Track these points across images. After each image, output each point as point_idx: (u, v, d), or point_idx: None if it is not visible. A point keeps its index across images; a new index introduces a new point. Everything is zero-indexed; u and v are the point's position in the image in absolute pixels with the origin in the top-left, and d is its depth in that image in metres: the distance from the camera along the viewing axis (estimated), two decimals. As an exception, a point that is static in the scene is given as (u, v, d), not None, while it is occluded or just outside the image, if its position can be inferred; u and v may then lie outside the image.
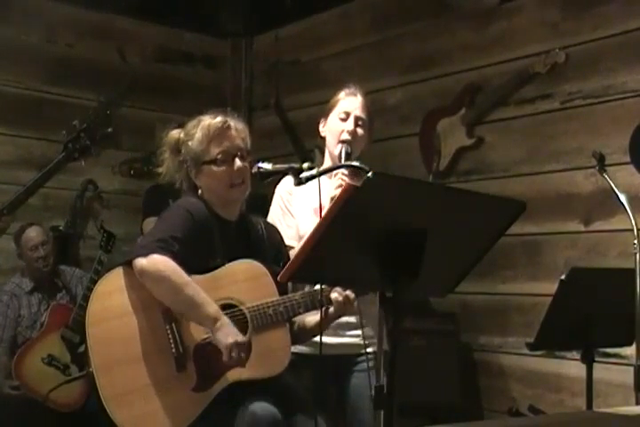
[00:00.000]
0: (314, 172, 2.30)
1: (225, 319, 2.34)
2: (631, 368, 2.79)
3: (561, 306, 2.63)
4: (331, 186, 2.69)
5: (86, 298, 3.55)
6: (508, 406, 4.11)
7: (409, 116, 4.72)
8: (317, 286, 2.47)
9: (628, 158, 3.72)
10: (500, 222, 1.86)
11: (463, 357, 4.23)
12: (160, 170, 2.64)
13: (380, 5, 5.00)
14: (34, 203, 4.49)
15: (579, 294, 2.62)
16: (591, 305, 2.65)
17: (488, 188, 4.15)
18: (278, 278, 1.91)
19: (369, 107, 2.88)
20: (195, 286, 2.35)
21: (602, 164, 3.05)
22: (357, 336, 2.68)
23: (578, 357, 2.80)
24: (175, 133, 2.63)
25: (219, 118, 2.55)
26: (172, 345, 2.40)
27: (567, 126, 4.04)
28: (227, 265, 2.47)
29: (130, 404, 2.35)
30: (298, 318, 2.58)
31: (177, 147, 2.60)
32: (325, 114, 2.89)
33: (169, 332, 2.40)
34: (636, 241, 2.82)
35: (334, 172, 2.70)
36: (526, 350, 3.72)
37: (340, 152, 2.76)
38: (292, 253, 2.51)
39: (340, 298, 2.47)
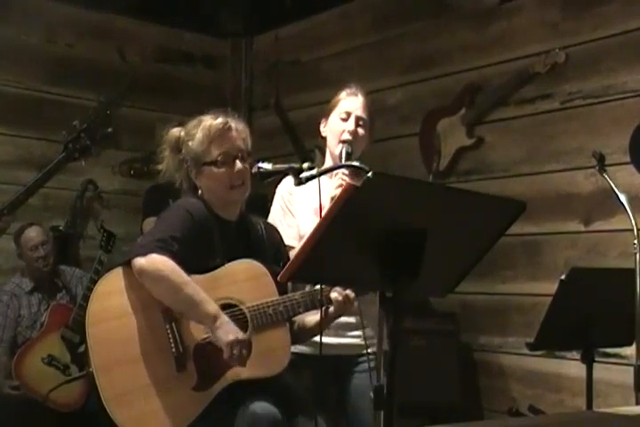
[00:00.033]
0: (314, 172, 2.29)
1: (225, 318, 2.34)
2: (631, 368, 2.79)
3: (561, 306, 2.63)
4: (331, 186, 2.68)
5: (86, 298, 3.55)
6: (508, 406, 4.11)
7: (409, 116, 4.72)
8: (317, 286, 2.47)
9: (627, 158, 3.72)
10: (500, 222, 1.86)
11: (463, 357, 4.23)
12: (160, 167, 2.64)
13: (379, 5, 5.00)
14: (34, 203, 4.49)
15: (579, 294, 2.62)
16: (591, 305, 2.65)
17: (488, 188, 4.15)
18: (278, 278, 1.90)
19: (370, 107, 2.87)
20: (194, 285, 2.35)
21: (602, 164, 3.05)
22: (358, 337, 2.68)
23: (578, 357, 2.80)
24: (176, 132, 2.62)
25: (220, 119, 2.54)
26: (172, 345, 2.40)
27: (567, 126, 4.04)
28: (226, 265, 2.47)
29: (130, 404, 2.35)
30: (298, 318, 2.58)
31: (177, 145, 2.60)
32: (326, 114, 2.89)
33: (169, 332, 2.41)
34: (635, 241, 2.81)
35: (334, 172, 2.70)
36: (526, 350, 3.72)
37: (341, 152, 2.76)
38: (294, 253, 2.51)
39: (340, 297, 2.47)
